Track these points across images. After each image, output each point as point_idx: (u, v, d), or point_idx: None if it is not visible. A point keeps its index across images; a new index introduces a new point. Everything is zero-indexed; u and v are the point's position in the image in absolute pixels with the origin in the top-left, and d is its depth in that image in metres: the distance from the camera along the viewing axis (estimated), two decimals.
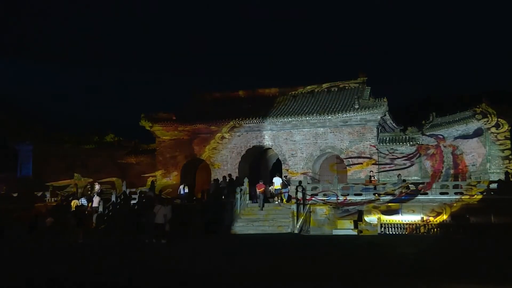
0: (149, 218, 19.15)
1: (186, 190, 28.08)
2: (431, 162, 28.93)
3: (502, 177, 23.98)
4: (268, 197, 27.01)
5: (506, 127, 26.11)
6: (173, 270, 11.78)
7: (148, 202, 24.56)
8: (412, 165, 29.33)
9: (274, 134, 31.63)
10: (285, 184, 26.67)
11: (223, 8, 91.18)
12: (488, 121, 26.32)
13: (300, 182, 26.42)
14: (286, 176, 29.38)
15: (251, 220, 24.05)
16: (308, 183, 26.77)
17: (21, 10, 79.24)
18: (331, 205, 24.88)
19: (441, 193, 23.54)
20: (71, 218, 21.42)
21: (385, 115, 30.03)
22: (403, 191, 24.13)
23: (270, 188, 27.32)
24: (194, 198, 29.54)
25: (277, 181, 26.67)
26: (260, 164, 34.64)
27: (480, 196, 22.61)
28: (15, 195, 28.94)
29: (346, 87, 33.52)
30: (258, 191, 25.89)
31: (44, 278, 10.68)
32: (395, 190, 24.41)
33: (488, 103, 26.13)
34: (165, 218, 18.73)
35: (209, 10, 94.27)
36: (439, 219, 22.80)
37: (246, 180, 26.84)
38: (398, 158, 29.46)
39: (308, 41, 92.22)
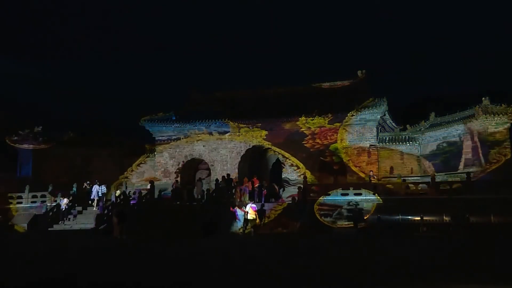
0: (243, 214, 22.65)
1: None
2: None
3: None
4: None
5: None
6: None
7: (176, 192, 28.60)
8: None
9: (274, 134, 31.59)
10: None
11: (222, 7, 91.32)
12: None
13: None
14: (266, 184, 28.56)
15: (251, 220, 23.99)
16: (308, 183, 26.77)
17: (22, 7, 79.37)
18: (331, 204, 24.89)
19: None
20: (113, 216, 21.60)
21: (384, 114, 30.00)
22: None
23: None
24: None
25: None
26: (260, 164, 34.61)
27: None
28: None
29: (346, 87, 33.48)
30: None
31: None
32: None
33: (489, 102, 26.11)
34: (256, 213, 22.03)
35: (209, 9, 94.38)
36: None
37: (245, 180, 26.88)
38: None
39: (308, 40, 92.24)
